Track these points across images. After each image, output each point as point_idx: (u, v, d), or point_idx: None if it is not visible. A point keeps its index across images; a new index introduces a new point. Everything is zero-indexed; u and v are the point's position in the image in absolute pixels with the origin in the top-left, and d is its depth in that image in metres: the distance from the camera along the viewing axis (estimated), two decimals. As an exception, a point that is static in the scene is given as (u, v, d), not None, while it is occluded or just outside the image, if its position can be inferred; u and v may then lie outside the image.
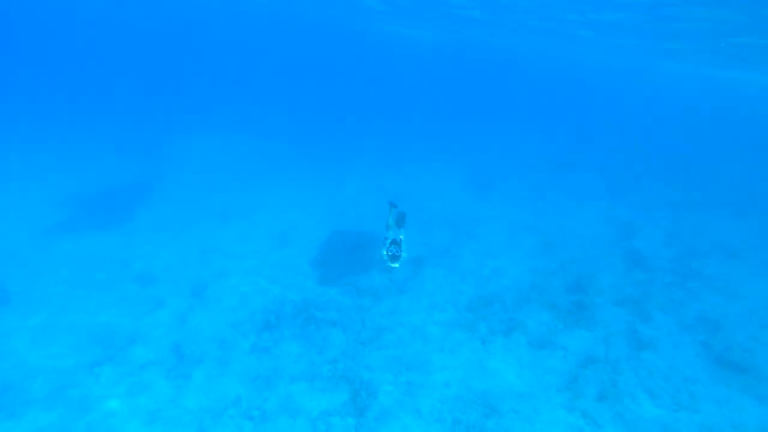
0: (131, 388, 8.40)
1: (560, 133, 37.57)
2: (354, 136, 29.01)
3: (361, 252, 13.47)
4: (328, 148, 25.25)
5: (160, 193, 17.14)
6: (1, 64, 43.69)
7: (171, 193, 17.23)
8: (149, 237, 13.87)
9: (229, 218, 15.49)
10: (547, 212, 18.25)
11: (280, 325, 10.21)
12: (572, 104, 64.47)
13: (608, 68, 51.70)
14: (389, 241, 7.94)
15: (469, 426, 7.85)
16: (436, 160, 24.83)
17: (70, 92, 34.26)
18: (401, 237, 8.57)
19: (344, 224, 15.49)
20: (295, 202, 17.31)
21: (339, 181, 20.12)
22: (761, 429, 8.18)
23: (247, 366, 9.05)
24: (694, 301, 12.22)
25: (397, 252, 7.49)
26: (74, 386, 8.34)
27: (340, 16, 33.87)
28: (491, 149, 28.97)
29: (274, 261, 13.02)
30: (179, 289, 11.42)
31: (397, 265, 7.82)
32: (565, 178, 23.33)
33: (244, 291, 11.47)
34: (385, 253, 7.82)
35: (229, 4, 39.72)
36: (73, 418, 7.72)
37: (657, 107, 66.77)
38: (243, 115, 32.59)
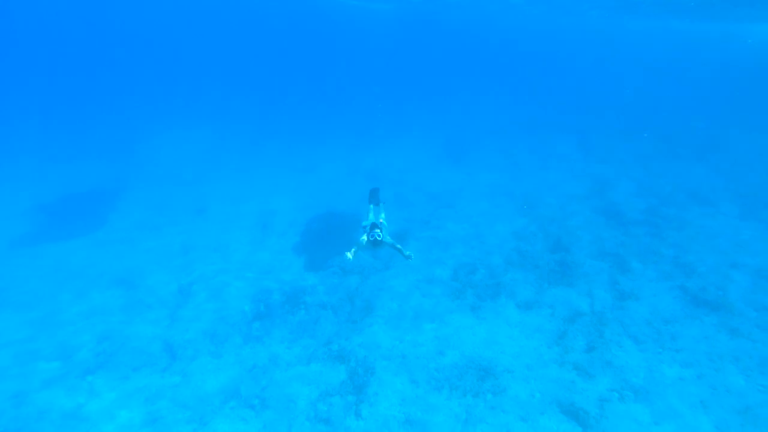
0: (127, 391, 8.32)
1: (529, 97, 37.82)
2: (323, 117, 28.64)
3: (343, 233, 13.47)
4: (296, 132, 24.90)
5: (131, 193, 16.70)
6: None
7: (143, 193, 16.81)
8: (127, 239, 13.57)
9: (206, 212, 15.24)
10: (523, 175, 18.52)
11: (270, 314, 10.21)
12: (539, 67, 64.76)
13: (573, 28, 51.80)
14: (368, 226, 7.68)
15: (467, 390, 8.08)
16: (409, 134, 24.77)
17: (30, 99, 32.70)
18: (381, 220, 8.28)
19: (323, 207, 15.41)
20: (271, 189, 17.10)
21: (313, 164, 19.92)
22: (735, 359, 8.66)
23: (242, 357, 9.06)
24: (669, 247, 12.68)
25: (380, 236, 7.22)
26: (68, 397, 8.22)
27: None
28: (463, 118, 29.02)
29: (257, 250, 12.93)
30: (164, 288, 11.26)
31: (401, 251, 7.48)
32: (538, 140, 23.60)
33: (230, 283, 11.37)
34: (365, 239, 7.55)
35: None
36: (71, 429, 7.63)
37: (621, 65, 67.60)
38: (206, 106, 31.74)
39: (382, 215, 8.94)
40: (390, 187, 16.89)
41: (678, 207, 15.28)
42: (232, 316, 10.18)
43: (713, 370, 8.41)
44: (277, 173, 18.73)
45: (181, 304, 10.63)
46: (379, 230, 7.10)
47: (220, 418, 7.77)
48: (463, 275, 11.46)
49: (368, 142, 23.06)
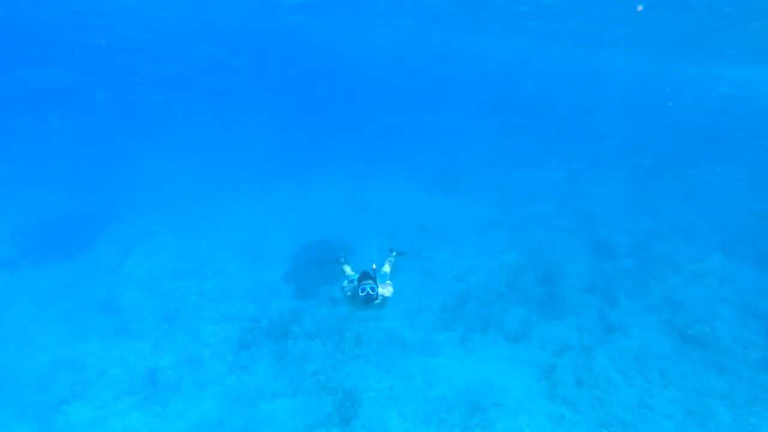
0: (105, 423, 8.04)
1: (518, 128, 38.57)
2: (312, 145, 28.90)
3: (333, 263, 13.40)
4: (286, 159, 25.02)
5: (121, 219, 16.52)
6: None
7: (130, 218, 16.63)
8: (113, 264, 13.36)
9: (196, 239, 15.11)
10: (513, 208, 18.71)
11: (257, 343, 10.04)
12: (527, 98, 66.35)
13: (558, 59, 53.38)
14: (356, 279, 5.87)
15: (455, 424, 7.95)
16: (400, 163, 25.03)
17: (13, 117, 32.60)
18: (375, 266, 6.25)
19: (313, 235, 15.36)
20: (261, 217, 17.05)
21: (302, 192, 19.97)
22: (723, 396, 8.67)
23: (226, 387, 8.84)
24: (657, 282, 12.81)
25: (374, 291, 5.59)
26: (41, 428, 7.91)
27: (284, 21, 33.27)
28: (452, 148, 29.43)
29: (246, 278, 12.79)
30: (149, 315, 11.04)
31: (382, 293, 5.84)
32: (528, 171, 23.97)
33: (218, 311, 11.20)
34: (346, 288, 6.11)
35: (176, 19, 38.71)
36: (43, 460, 7.33)
37: (608, 96, 69.58)
38: (197, 133, 31.92)
39: (389, 260, 7.78)
40: (379, 218, 16.98)
41: (665, 242, 15.51)
42: (217, 345, 9.99)
43: (702, 407, 8.39)
44: (265, 201, 18.72)
45: (166, 332, 10.41)
46: (372, 281, 5.57)
47: (201, 451, 7.52)
48: (452, 307, 11.43)
49: (358, 170, 23.21)
